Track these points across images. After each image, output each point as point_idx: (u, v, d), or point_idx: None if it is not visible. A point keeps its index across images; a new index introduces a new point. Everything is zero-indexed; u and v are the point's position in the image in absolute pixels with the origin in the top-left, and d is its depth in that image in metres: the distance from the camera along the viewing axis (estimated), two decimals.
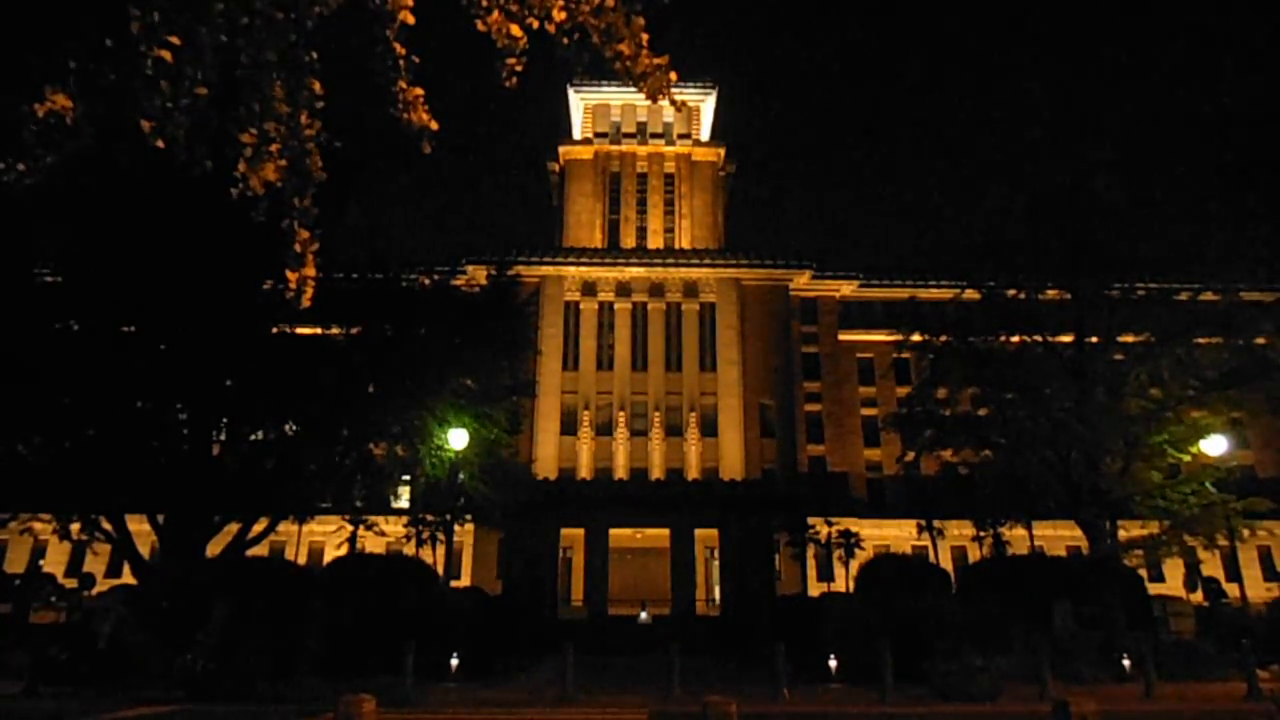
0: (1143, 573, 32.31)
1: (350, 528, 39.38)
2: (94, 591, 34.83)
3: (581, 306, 57.56)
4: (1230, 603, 32.00)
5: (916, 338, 32.98)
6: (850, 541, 46.16)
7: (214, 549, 26.60)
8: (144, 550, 27.26)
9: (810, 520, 47.10)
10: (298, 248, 4.67)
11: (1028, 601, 26.02)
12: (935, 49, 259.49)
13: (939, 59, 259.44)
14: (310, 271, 4.75)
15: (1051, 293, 30.49)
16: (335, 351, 26.30)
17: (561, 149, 64.54)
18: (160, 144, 3.97)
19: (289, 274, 4.71)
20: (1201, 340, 28.38)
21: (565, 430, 54.73)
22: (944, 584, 34.50)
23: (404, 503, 44.93)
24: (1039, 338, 30.47)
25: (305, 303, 4.77)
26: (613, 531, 45.01)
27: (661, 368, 56.36)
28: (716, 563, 46.75)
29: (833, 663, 22.15)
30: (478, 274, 49.05)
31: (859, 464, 58.16)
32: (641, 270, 57.93)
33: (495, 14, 4.83)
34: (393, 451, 26.87)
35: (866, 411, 58.75)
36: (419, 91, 4.88)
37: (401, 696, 17.18)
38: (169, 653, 20.93)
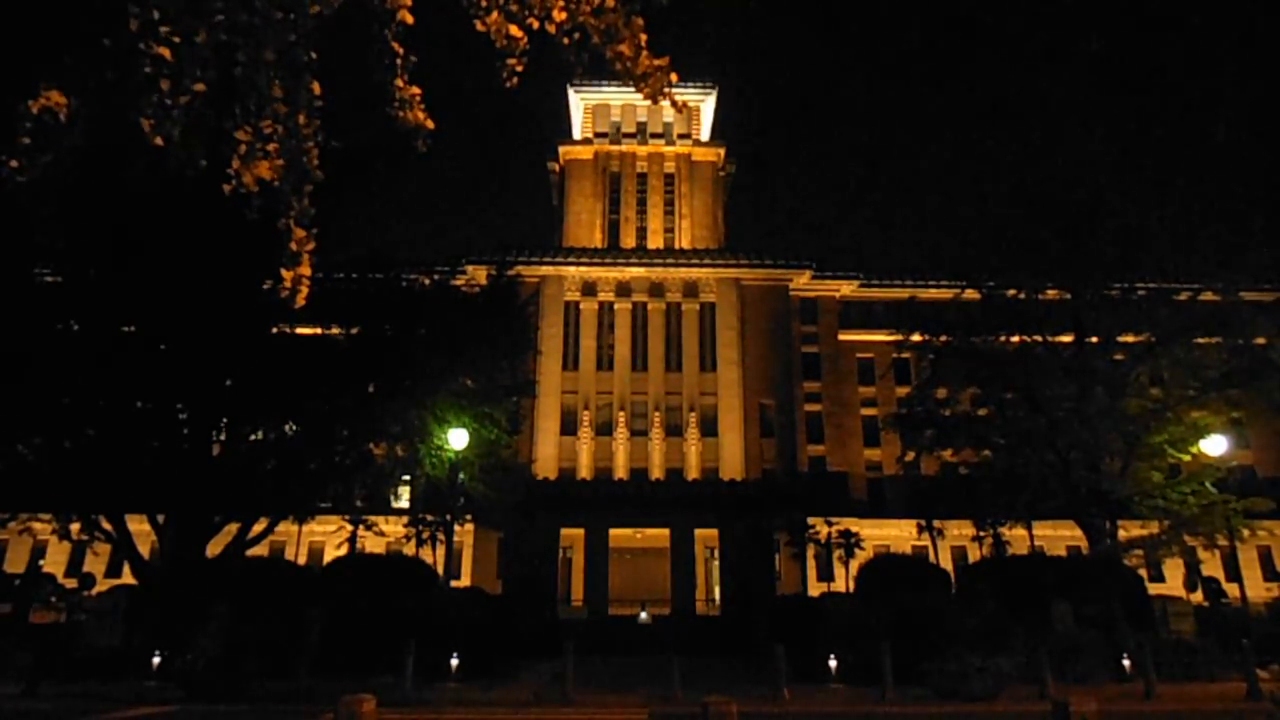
0: (1143, 573, 32.27)
1: (350, 528, 39.38)
2: (94, 591, 34.80)
3: (581, 306, 57.54)
4: (1230, 603, 31.96)
5: (916, 338, 32.99)
6: (850, 541, 46.11)
7: (214, 549, 26.60)
8: (144, 550, 27.25)
9: (810, 520, 47.04)
10: (294, 246, 4.67)
11: (1028, 601, 25.99)
12: (935, 48, 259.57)
13: (939, 58, 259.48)
14: (305, 271, 4.75)
15: (1051, 293, 30.48)
16: (335, 351, 26.30)
17: (561, 149, 64.52)
18: (159, 142, 3.96)
19: (284, 273, 4.71)
20: (1201, 340, 28.36)
21: (565, 430, 54.70)
22: (944, 584, 34.44)
23: (404, 503, 44.91)
24: (1039, 338, 30.46)
25: (300, 302, 4.77)
26: (613, 531, 44.99)
27: (661, 368, 56.33)
28: (716, 563, 46.72)
29: (833, 663, 22.15)
30: (478, 274, 49.03)
31: (859, 464, 58.12)
32: (641, 270, 57.91)
33: (495, 14, 4.82)
34: (393, 451, 26.85)
35: (866, 411, 58.70)
36: (416, 91, 4.87)
37: (401, 696, 17.19)
38: (169, 653, 20.93)
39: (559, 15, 4.82)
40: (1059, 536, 47.89)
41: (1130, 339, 29.65)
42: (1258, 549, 49.97)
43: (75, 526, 25.99)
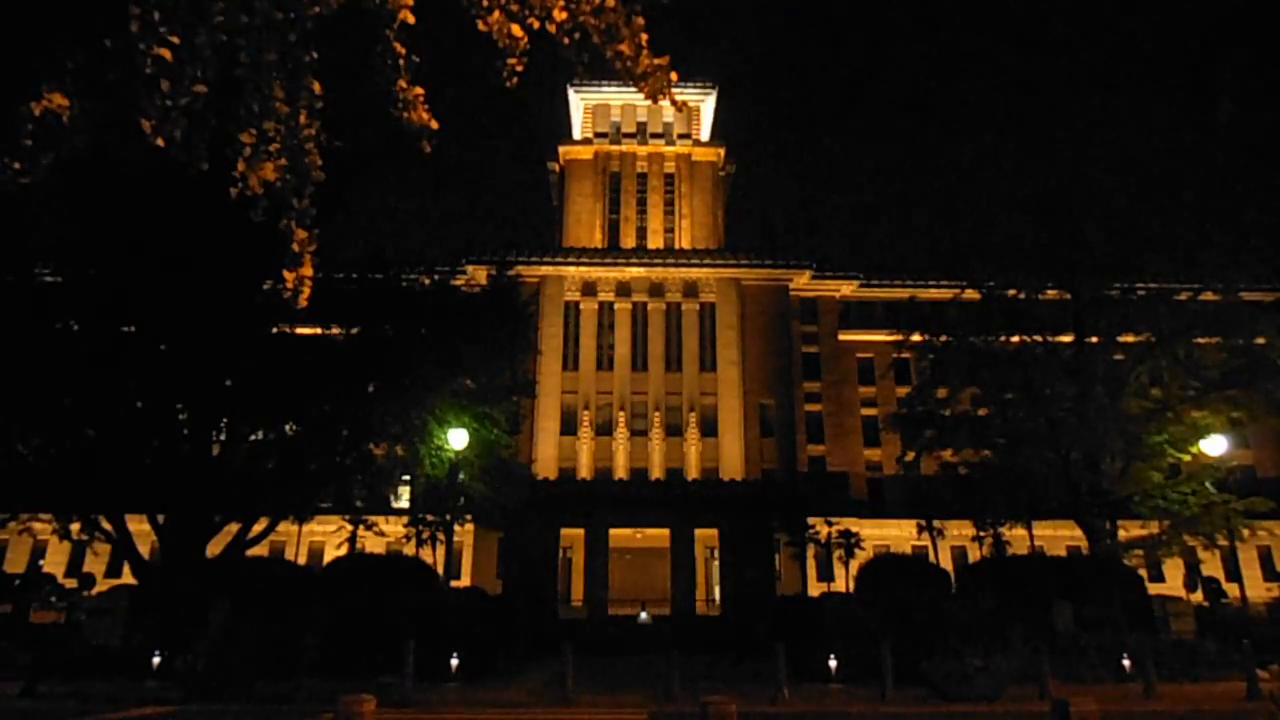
0: (1143, 573, 32.31)
1: (350, 528, 39.40)
2: (94, 591, 34.83)
3: (581, 306, 57.55)
4: (1230, 603, 31.97)
5: (916, 338, 33.04)
6: (850, 541, 46.13)
7: (214, 549, 26.61)
8: (144, 550, 27.26)
9: (810, 520, 47.06)
10: (295, 247, 4.67)
11: (1028, 601, 26.01)
12: (936, 48, 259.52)
13: (939, 58, 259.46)
14: (308, 271, 4.76)
15: (1051, 293, 30.52)
16: (335, 351, 26.30)
17: (561, 149, 64.53)
18: (160, 143, 3.96)
19: (286, 274, 4.71)
20: (1201, 340, 28.39)
21: (565, 430, 54.70)
22: (944, 584, 34.49)
23: (404, 503, 44.93)
24: (1039, 338, 30.48)
25: (302, 302, 4.78)
26: (613, 531, 44.97)
27: (661, 368, 56.33)
28: (716, 563, 46.71)
29: (833, 663, 22.13)
30: (478, 274, 49.09)
31: (859, 464, 58.14)
32: (641, 270, 57.92)
33: (496, 14, 4.83)
34: (393, 451, 26.87)
35: (866, 411, 58.74)
36: (419, 91, 4.88)
37: (401, 696, 17.18)
38: (169, 653, 20.94)
39: (559, 15, 4.83)
40: (1059, 536, 47.91)
41: (1130, 339, 29.68)
42: (1258, 549, 49.99)
43: (75, 526, 26.00)
